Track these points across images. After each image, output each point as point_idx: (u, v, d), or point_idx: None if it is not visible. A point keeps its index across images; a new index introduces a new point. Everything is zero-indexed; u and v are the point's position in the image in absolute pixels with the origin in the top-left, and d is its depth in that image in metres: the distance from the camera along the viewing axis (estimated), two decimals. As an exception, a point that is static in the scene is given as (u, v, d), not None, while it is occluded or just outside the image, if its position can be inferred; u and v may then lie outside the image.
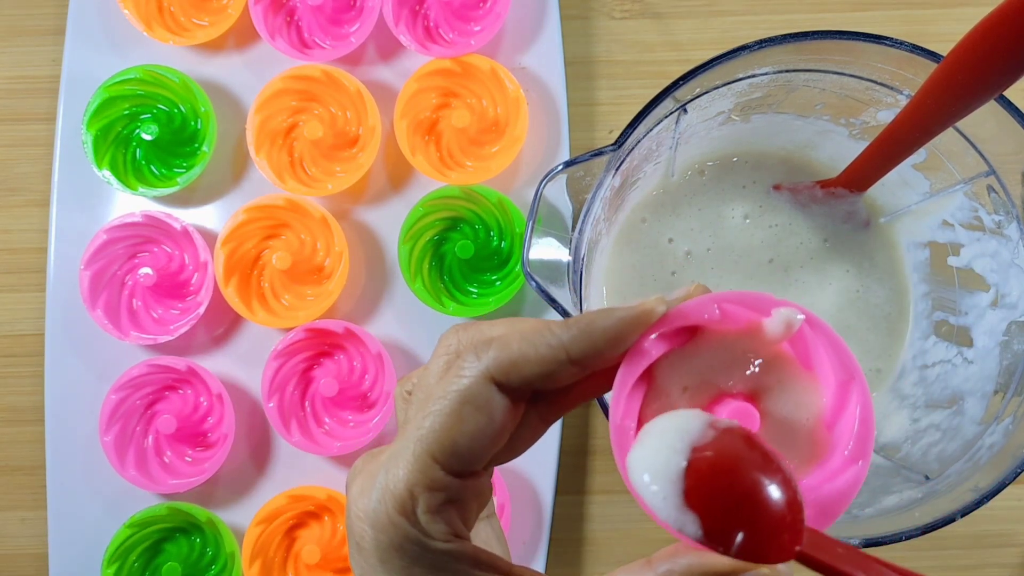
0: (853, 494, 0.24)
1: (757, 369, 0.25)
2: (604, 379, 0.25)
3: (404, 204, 0.50)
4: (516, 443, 0.26)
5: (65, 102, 0.51)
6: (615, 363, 0.24)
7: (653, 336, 0.24)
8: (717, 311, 0.24)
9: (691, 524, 0.21)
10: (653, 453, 0.22)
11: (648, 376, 0.25)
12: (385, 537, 0.24)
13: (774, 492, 0.21)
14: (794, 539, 0.21)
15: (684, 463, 0.21)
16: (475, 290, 0.50)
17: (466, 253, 0.48)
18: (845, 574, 0.21)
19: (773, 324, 0.24)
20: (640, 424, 0.25)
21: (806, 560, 0.21)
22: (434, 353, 0.26)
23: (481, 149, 0.50)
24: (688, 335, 0.25)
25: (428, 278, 0.49)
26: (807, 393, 0.25)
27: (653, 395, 0.25)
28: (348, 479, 0.26)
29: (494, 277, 0.50)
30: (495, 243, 0.49)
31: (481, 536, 0.29)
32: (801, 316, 0.24)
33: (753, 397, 0.25)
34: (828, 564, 0.21)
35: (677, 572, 0.24)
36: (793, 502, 0.21)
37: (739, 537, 0.21)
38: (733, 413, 0.24)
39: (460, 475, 0.24)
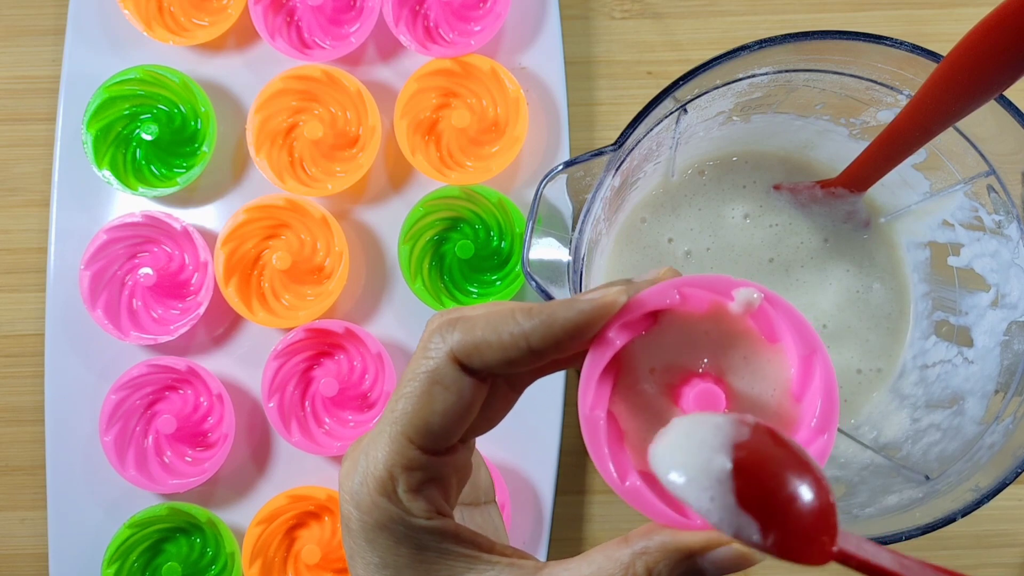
0: (821, 465, 0.24)
1: (723, 348, 0.25)
2: (575, 353, 0.25)
3: (404, 204, 0.50)
4: (490, 414, 0.27)
5: (65, 102, 0.51)
6: (581, 348, 0.25)
7: (618, 325, 0.24)
8: (677, 296, 0.24)
9: (748, 526, 0.21)
10: (688, 452, 0.22)
11: (616, 362, 0.25)
12: (370, 518, 0.25)
13: (811, 491, 0.21)
14: (831, 539, 0.21)
15: (729, 463, 0.21)
16: (475, 290, 0.50)
17: (466, 253, 0.48)
18: (881, 570, 0.21)
19: (734, 306, 0.25)
20: (611, 412, 0.25)
21: (843, 558, 0.21)
22: (420, 338, 0.27)
23: (481, 149, 0.50)
24: (654, 319, 0.25)
25: (428, 278, 0.49)
26: (773, 367, 0.25)
27: (622, 380, 0.25)
28: (342, 463, 0.27)
29: (494, 277, 0.50)
30: (495, 243, 0.49)
31: (476, 521, 0.29)
32: (760, 295, 0.24)
33: (721, 376, 0.25)
34: (865, 561, 0.21)
35: (652, 548, 0.24)
36: (827, 501, 0.21)
37: (776, 537, 0.21)
38: (699, 395, 0.24)
39: (436, 452, 0.25)
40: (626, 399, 0.25)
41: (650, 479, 0.24)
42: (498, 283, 0.49)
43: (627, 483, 0.24)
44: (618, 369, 0.25)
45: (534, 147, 0.51)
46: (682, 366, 0.25)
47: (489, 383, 0.26)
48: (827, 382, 0.24)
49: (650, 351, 0.25)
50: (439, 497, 0.26)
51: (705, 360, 0.25)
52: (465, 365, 0.25)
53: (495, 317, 0.25)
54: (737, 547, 0.24)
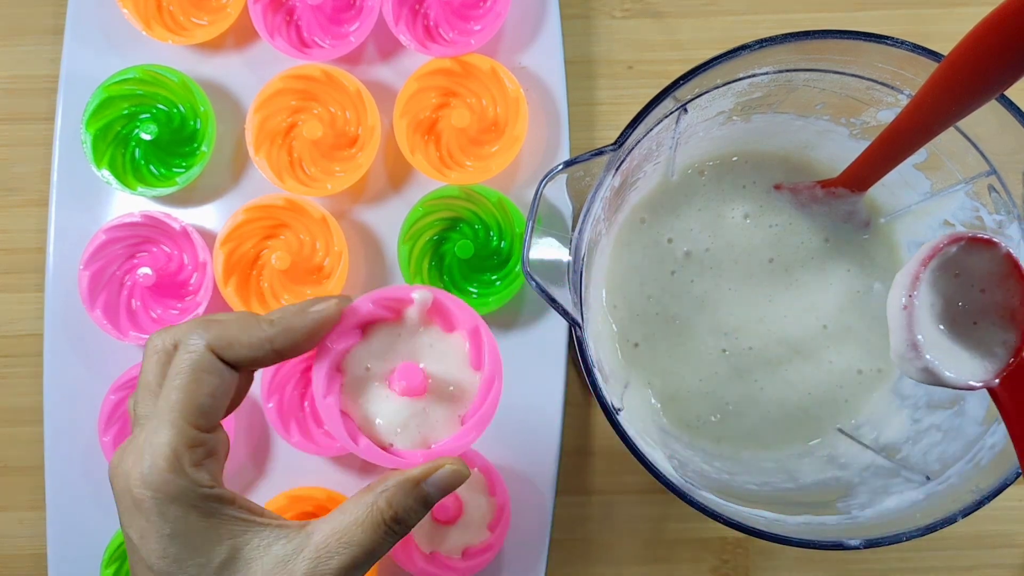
0: (496, 404, 0.34)
1: (414, 341, 0.35)
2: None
3: (404, 204, 0.50)
4: (237, 398, 0.33)
5: (64, 102, 0.51)
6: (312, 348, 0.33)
7: (336, 335, 0.34)
8: (371, 305, 0.34)
9: None
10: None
11: (339, 364, 0.34)
12: (162, 493, 0.30)
13: None
14: None
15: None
16: (475, 290, 0.50)
17: (466, 253, 0.48)
18: None
19: (412, 308, 0.34)
20: (342, 401, 0.34)
21: None
22: (143, 361, 0.32)
23: (481, 149, 0.50)
24: (363, 329, 0.35)
25: (428, 278, 0.49)
26: (453, 348, 0.35)
27: (347, 376, 0.34)
28: (111, 473, 0.31)
29: (494, 277, 0.50)
30: (495, 243, 0.49)
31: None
32: (431, 294, 0.34)
33: (417, 361, 0.35)
34: None
35: (390, 486, 0.32)
36: None
37: None
38: (404, 372, 0.34)
39: (208, 430, 0.31)
40: (351, 389, 0.34)
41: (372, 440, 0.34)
42: (498, 283, 0.49)
43: (360, 444, 0.33)
44: (341, 369, 0.34)
45: (534, 147, 0.50)
46: (388, 360, 0.35)
47: (241, 373, 0.32)
48: (489, 341, 0.34)
49: (362, 353, 0.35)
50: (216, 469, 0.31)
51: (404, 353, 0.35)
52: (220, 356, 0.31)
53: (245, 320, 0.31)
54: (449, 466, 0.32)
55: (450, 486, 0.32)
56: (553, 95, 0.50)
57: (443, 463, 0.32)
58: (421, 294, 0.34)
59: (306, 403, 0.49)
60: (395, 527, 0.31)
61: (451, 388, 0.35)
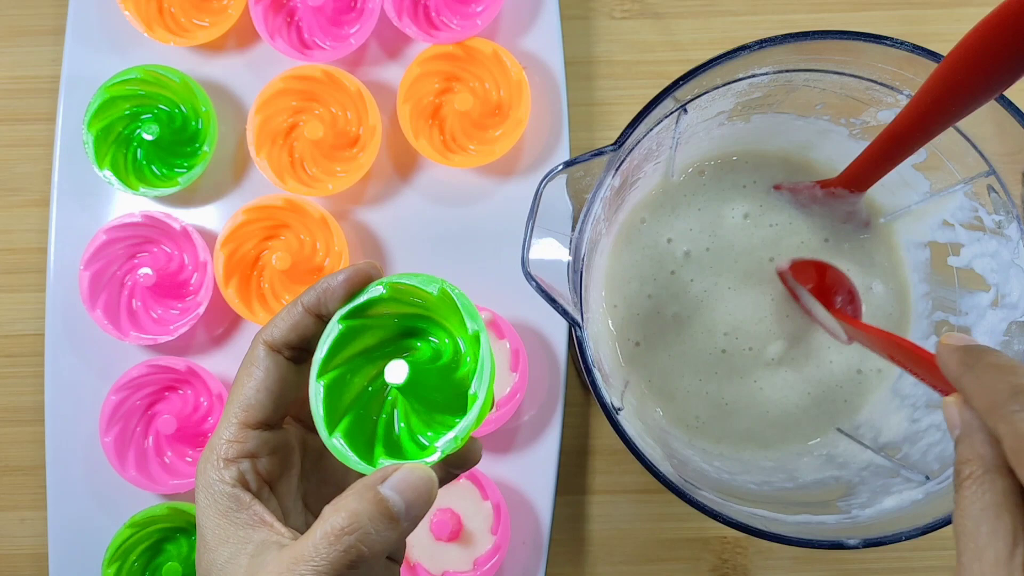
0: (519, 403, 0.47)
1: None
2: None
3: (406, 203, 0.50)
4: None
5: (65, 102, 0.51)
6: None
7: None
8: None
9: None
10: None
11: None
12: (201, 485, 0.30)
13: None
14: None
15: None
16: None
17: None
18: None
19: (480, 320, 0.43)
20: None
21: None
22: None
23: (484, 133, 0.50)
24: None
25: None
26: (501, 350, 0.48)
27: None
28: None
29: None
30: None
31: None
32: (489, 315, 0.47)
33: None
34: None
35: (347, 496, 0.28)
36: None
37: None
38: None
39: (258, 426, 0.31)
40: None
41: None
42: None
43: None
44: None
45: (537, 132, 0.51)
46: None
47: (303, 362, 0.32)
48: (522, 351, 0.47)
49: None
50: (252, 472, 0.30)
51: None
52: (271, 346, 0.31)
53: (284, 311, 0.32)
54: (410, 467, 0.29)
55: (414, 486, 0.28)
56: (554, 77, 0.50)
57: (406, 464, 0.29)
58: (485, 315, 0.48)
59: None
60: (358, 549, 0.27)
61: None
